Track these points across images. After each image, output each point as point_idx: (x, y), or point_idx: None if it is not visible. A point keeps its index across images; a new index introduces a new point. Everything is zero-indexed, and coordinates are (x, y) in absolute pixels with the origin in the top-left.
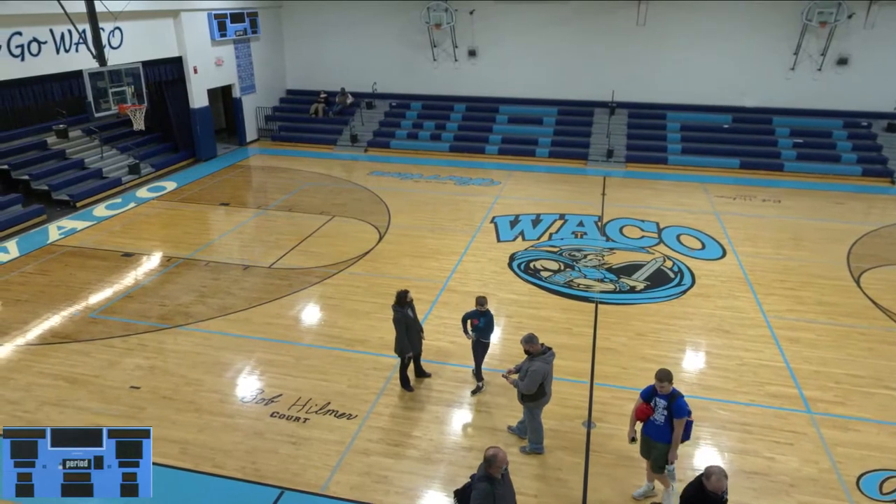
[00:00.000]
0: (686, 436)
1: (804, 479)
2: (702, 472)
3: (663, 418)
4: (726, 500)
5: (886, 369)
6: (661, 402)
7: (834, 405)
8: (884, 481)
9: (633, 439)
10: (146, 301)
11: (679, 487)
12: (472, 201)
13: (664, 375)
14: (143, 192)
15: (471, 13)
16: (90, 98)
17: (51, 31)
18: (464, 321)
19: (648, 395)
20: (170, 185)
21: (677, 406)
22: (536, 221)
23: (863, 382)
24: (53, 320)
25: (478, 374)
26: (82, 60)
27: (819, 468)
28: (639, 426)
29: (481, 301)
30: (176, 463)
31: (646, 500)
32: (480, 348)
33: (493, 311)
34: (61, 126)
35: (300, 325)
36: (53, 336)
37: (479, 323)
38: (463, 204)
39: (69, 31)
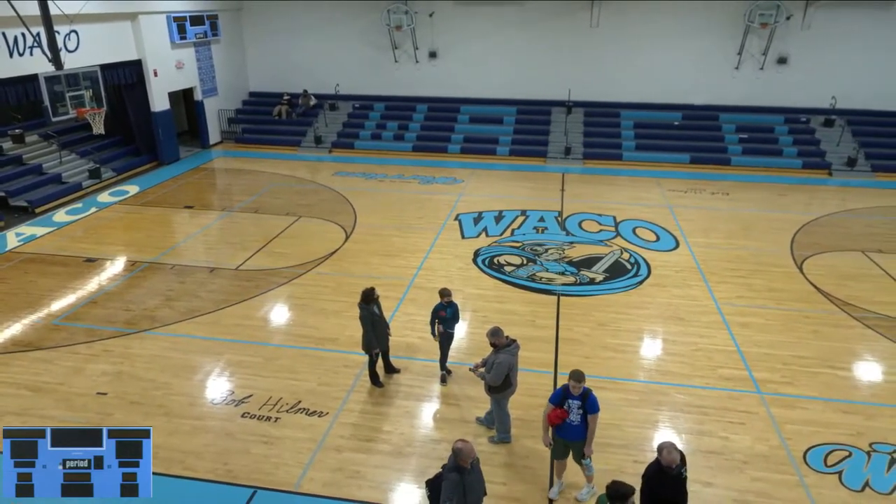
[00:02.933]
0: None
1: (756, 456)
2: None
3: (579, 418)
4: (685, 477)
5: (829, 350)
6: (575, 403)
7: (782, 385)
8: (828, 454)
9: (549, 444)
10: (110, 306)
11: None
12: (436, 199)
13: (580, 376)
14: (104, 197)
15: (430, 15)
16: (47, 102)
17: (3, 34)
18: (432, 320)
19: (559, 399)
20: (132, 188)
21: (590, 403)
22: (499, 218)
23: (808, 363)
24: (14, 328)
25: (443, 364)
26: (38, 64)
27: (769, 445)
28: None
29: (446, 292)
30: None
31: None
32: (446, 339)
33: (459, 306)
34: (17, 131)
35: (269, 326)
36: (14, 344)
37: (447, 314)
38: (427, 202)
39: (23, 35)
